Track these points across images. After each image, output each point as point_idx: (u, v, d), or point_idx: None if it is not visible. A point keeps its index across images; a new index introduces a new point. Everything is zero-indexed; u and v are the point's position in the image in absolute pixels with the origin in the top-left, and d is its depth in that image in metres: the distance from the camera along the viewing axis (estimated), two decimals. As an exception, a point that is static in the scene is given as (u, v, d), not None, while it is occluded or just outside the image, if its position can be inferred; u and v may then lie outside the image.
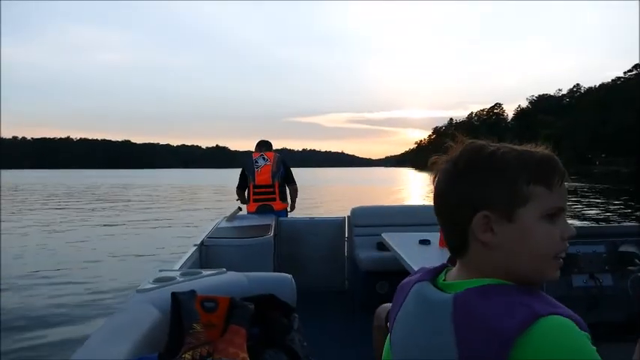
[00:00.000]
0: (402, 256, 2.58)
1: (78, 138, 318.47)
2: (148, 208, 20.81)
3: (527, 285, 0.78)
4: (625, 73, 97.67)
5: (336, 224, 4.70)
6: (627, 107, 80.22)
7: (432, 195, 0.87)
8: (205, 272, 2.18)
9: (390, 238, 3.06)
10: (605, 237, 1.57)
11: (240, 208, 4.60)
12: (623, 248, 1.55)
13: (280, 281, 2.21)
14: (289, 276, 2.25)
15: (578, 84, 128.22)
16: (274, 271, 3.38)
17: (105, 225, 14.63)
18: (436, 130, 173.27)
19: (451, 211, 0.80)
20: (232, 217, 4.37)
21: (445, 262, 0.94)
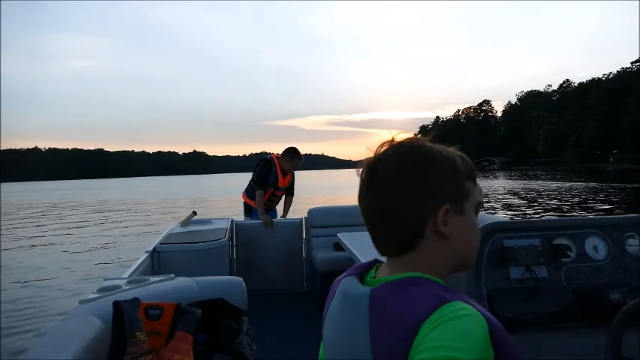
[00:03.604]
0: (357, 255, 2.59)
1: (47, 148, 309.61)
2: (104, 217, 20.32)
3: (463, 270, 0.83)
4: (632, 63, 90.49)
5: (294, 226, 4.70)
6: None
7: None
8: (153, 279, 2.14)
9: (345, 238, 3.07)
10: (540, 231, 1.61)
11: (194, 213, 4.53)
12: (557, 241, 1.59)
13: (231, 285, 2.19)
14: (240, 279, 2.23)
15: (567, 79, 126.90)
16: (230, 275, 3.35)
17: (55, 234, 14.28)
18: (423, 129, 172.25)
19: (408, 207, 0.78)
20: (186, 222, 4.31)
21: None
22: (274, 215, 5.08)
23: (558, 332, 1.42)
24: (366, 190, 0.81)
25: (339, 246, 3.62)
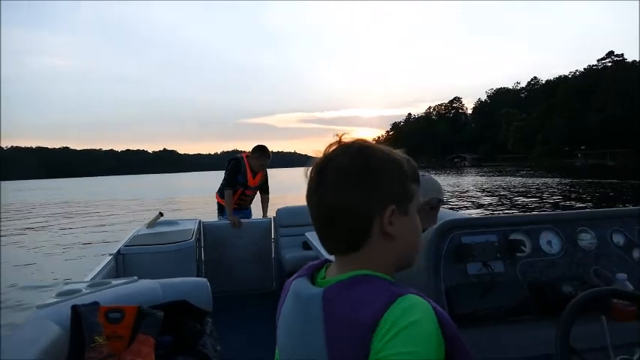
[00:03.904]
0: (325, 254, 2.60)
1: (9, 146, 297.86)
2: (68, 218, 19.75)
3: (405, 268, 0.86)
4: (599, 61, 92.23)
5: (263, 226, 4.69)
6: (610, 96, 75.96)
7: None
8: (115, 282, 2.10)
9: (313, 237, 3.08)
10: (496, 227, 1.64)
11: (161, 214, 4.46)
12: (512, 237, 1.63)
13: (195, 286, 2.17)
14: (204, 280, 2.21)
15: (535, 77, 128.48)
16: (198, 276, 3.32)
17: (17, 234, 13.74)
18: (395, 126, 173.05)
19: (357, 207, 0.79)
20: (152, 223, 4.24)
21: None
22: (248, 214, 5.04)
23: (514, 325, 1.46)
24: (315, 189, 0.82)
25: (307, 245, 3.63)
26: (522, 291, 1.54)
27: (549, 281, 1.55)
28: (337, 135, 0.85)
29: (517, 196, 21.42)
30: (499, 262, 1.58)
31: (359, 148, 0.82)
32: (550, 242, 1.64)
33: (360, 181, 0.78)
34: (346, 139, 0.84)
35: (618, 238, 1.68)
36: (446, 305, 1.44)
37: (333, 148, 0.83)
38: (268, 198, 5.11)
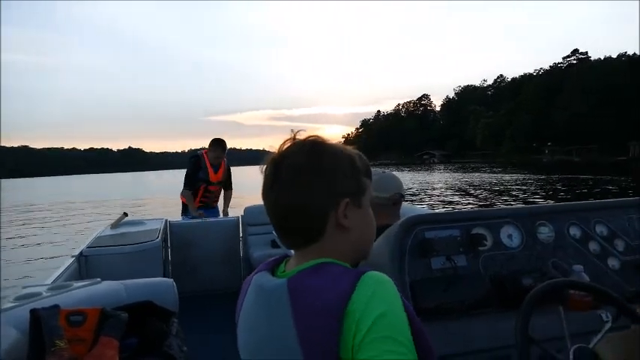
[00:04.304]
0: (294, 252, 2.60)
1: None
2: (28, 220, 19.02)
3: (360, 260, 0.90)
4: (564, 58, 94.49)
5: (230, 224, 4.64)
6: (575, 94, 77.66)
7: None
8: (77, 284, 2.04)
9: None
10: (459, 222, 1.68)
11: (125, 214, 4.36)
12: (474, 231, 1.66)
13: (161, 287, 2.13)
14: (170, 280, 2.17)
15: (501, 75, 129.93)
16: (165, 277, 3.26)
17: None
18: (364, 123, 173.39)
19: (313, 202, 0.80)
20: (117, 224, 4.14)
21: None
22: (215, 213, 4.99)
23: (476, 318, 1.50)
24: (270, 186, 0.83)
25: (276, 243, 3.62)
26: (484, 284, 1.57)
27: (510, 274, 1.59)
28: (292, 131, 0.87)
29: (484, 193, 21.95)
30: (462, 256, 1.61)
31: (312, 144, 0.84)
32: (510, 236, 1.68)
33: (314, 178, 0.81)
34: (300, 135, 0.86)
35: (575, 231, 1.74)
36: (410, 299, 1.46)
37: (287, 145, 0.85)
38: (231, 194, 5.07)
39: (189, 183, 4.69)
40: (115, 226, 4.07)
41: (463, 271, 1.59)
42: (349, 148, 0.88)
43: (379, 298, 0.71)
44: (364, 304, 0.70)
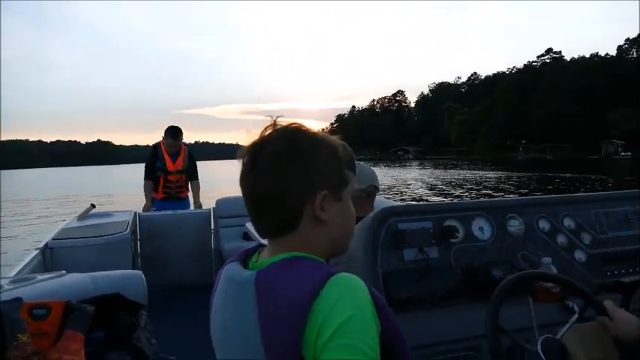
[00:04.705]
0: (265, 244, 2.58)
1: None
2: None
3: (338, 255, 0.86)
4: (539, 57, 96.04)
5: (202, 217, 4.58)
6: (550, 93, 79.44)
7: None
8: (41, 277, 1.97)
9: (253, 227, 3.05)
10: (431, 214, 1.69)
11: (93, 205, 4.24)
12: (446, 223, 1.68)
13: (129, 279, 2.09)
14: (139, 272, 2.13)
15: (475, 72, 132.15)
16: (134, 270, 3.20)
17: None
18: (339, 118, 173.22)
19: (289, 191, 0.78)
20: (84, 215, 4.03)
21: None
22: (186, 205, 4.90)
23: (448, 308, 1.52)
24: (249, 171, 0.80)
25: (248, 236, 3.59)
26: (456, 275, 1.59)
27: (481, 266, 1.61)
28: (272, 118, 0.83)
29: (458, 189, 22.34)
30: (434, 247, 1.63)
31: (293, 131, 0.81)
32: (482, 228, 1.71)
33: (293, 166, 0.78)
34: (282, 122, 0.83)
35: (544, 225, 1.78)
36: (383, 290, 1.47)
37: (269, 131, 0.82)
38: (198, 184, 4.97)
39: (147, 173, 4.66)
40: (81, 217, 3.96)
41: (435, 262, 1.60)
42: (333, 137, 0.85)
43: (347, 302, 0.68)
44: (330, 307, 0.68)
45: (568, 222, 1.81)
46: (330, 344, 0.66)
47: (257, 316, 0.72)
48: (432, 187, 23.36)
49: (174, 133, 4.68)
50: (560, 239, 1.77)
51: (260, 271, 0.76)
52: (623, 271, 1.76)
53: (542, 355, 1.15)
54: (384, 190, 20.63)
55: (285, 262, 0.77)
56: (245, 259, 0.87)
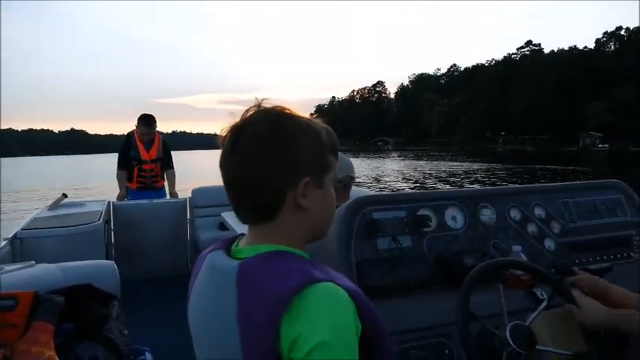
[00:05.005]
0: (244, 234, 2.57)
1: None
2: None
3: (317, 240, 0.84)
4: (518, 49, 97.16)
5: (177, 206, 4.52)
6: (530, 85, 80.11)
7: None
8: (9, 267, 1.92)
9: (230, 217, 3.03)
10: (405, 203, 1.71)
11: (65, 195, 4.13)
12: (420, 212, 1.70)
13: (101, 269, 2.05)
14: (111, 262, 2.09)
15: (455, 64, 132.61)
16: (108, 260, 3.15)
17: None
18: (319, 108, 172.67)
19: (270, 176, 0.76)
20: (55, 205, 3.92)
21: None
22: (162, 195, 4.83)
23: (420, 296, 1.54)
24: (230, 153, 0.78)
25: (224, 226, 3.56)
26: (428, 264, 1.61)
27: (453, 254, 1.64)
28: (256, 99, 0.81)
29: (435, 180, 22.59)
30: (407, 236, 1.64)
31: (277, 114, 0.79)
32: (454, 217, 1.73)
33: (276, 150, 0.76)
34: (266, 104, 0.80)
35: (515, 214, 1.81)
36: (356, 279, 1.48)
37: (252, 112, 0.79)
38: (173, 173, 4.90)
39: (121, 163, 4.59)
40: (52, 207, 3.85)
41: (408, 251, 1.62)
42: (317, 121, 0.83)
43: (328, 322, 0.66)
44: (311, 320, 0.67)
45: (538, 211, 1.85)
46: None
47: (236, 309, 0.71)
48: (409, 179, 23.56)
49: (147, 121, 4.59)
50: (531, 228, 1.81)
51: (242, 263, 0.75)
52: (590, 258, 1.81)
53: (511, 341, 1.18)
54: (363, 181, 20.74)
55: (269, 255, 0.75)
56: (228, 246, 0.85)
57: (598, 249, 1.85)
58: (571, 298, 1.32)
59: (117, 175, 4.67)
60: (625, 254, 1.86)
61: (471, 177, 23.49)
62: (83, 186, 24.41)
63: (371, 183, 20.68)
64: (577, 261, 1.78)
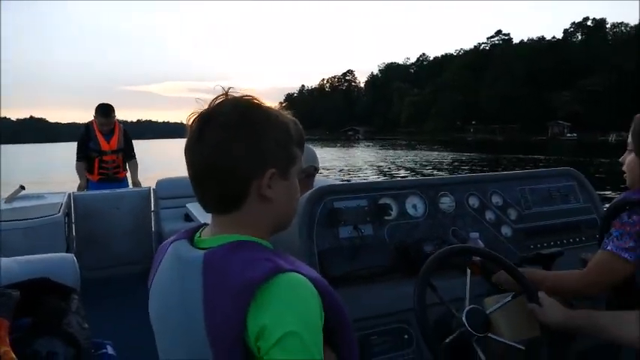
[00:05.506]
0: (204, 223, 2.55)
1: None
2: None
3: (281, 230, 0.85)
4: (488, 39, 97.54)
5: (141, 196, 4.42)
6: (500, 75, 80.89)
7: None
8: None
9: (194, 208, 3.00)
10: (367, 192, 1.73)
11: (22, 187, 3.97)
12: (381, 201, 1.73)
13: (60, 262, 2.00)
14: (70, 255, 2.04)
15: (424, 53, 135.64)
16: (69, 253, 3.06)
17: None
18: (288, 97, 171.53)
19: (237, 165, 0.75)
20: (12, 197, 3.78)
21: None
22: (124, 186, 4.73)
23: (381, 284, 1.56)
24: (196, 141, 0.77)
25: (189, 217, 3.52)
26: (390, 252, 1.64)
27: (414, 242, 1.67)
28: (223, 88, 0.81)
29: (401, 170, 22.86)
30: (369, 225, 1.66)
31: (246, 105, 0.79)
32: (415, 206, 1.76)
33: (243, 141, 0.76)
34: (234, 92, 0.80)
35: (474, 201, 1.86)
36: (318, 268, 1.49)
37: (220, 101, 0.79)
38: (136, 163, 4.82)
39: (80, 154, 4.49)
40: (9, 200, 3.71)
41: (369, 239, 1.64)
42: (285, 113, 0.84)
43: (295, 312, 0.67)
44: (277, 310, 0.67)
45: (496, 199, 1.91)
46: (272, 353, 0.65)
47: (202, 299, 0.71)
48: (376, 168, 23.79)
49: (104, 110, 4.46)
50: (489, 215, 1.86)
51: (207, 253, 0.75)
52: (545, 244, 1.88)
53: (466, 322, 1.23)
54: (329, 171, 20.81)
55: (235, 245, 0.76)
56: (191, 236, 0.85)
57: (551, 234, 1.92)
58: (535, 298, 1.36)
59: (76, 166, 4.57)
60: (578, 239, 1.95)
61: (439, 166, 23.93)
62: (42, 176, 23.49)
63: (337, 173, 20.77)
64: (532, 246, 1.85)
